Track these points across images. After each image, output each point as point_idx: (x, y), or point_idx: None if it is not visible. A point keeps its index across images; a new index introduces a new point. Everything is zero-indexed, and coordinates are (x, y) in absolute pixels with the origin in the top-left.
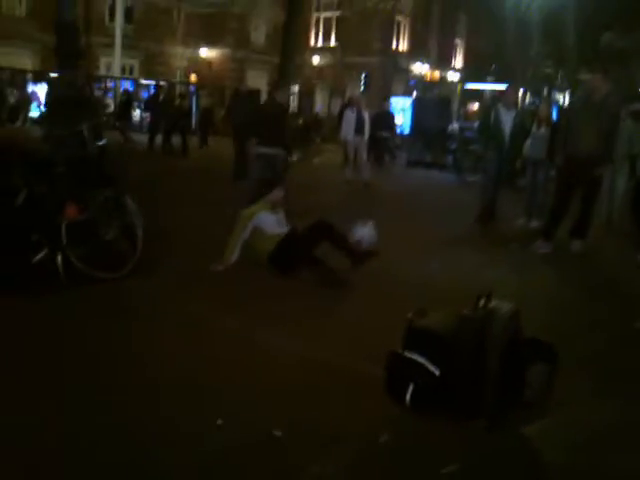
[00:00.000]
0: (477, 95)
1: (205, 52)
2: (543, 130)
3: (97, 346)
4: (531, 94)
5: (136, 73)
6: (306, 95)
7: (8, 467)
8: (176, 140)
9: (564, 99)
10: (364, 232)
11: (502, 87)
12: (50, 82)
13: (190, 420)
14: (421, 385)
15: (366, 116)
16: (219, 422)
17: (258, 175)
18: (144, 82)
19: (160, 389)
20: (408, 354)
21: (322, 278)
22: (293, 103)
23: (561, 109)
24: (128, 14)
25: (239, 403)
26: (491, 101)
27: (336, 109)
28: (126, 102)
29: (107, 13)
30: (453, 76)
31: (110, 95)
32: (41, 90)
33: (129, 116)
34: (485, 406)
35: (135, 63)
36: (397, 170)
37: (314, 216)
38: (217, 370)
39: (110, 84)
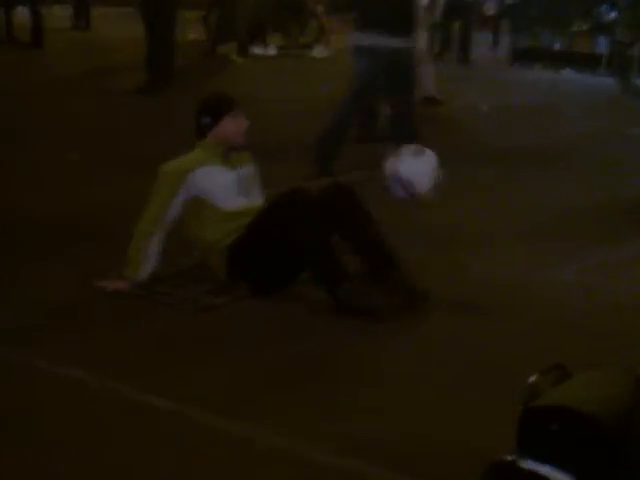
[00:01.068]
0: None
1: None
2: None
3: None
4: None
5: None
6: None
7: None
8: (21, 14)
9: None
10: (413, 169)
11: None
12: None
13: None
14: None
15: None
16: None
17: (364, 87)
18: None
19: None
20: (527, 465)
21: (343, 302)
22: None
23: None
24: None
25: None
26: None
27: None
28: None
29: None
30: None
31: None
32: None
33: None
34: None
35: None
36: (490, 69)
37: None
38: None
39: None
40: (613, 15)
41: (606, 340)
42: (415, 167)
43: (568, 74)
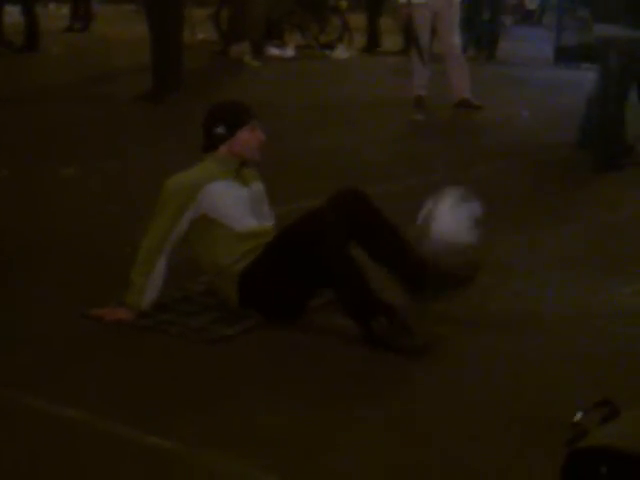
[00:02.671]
0: None
1: None
2: None
3: None
4: None
5: None
6: None
7: None
8: (13, 16)
9: None
10: (442, 216)
11: None
12: None
13: None
14: None
15: None
16: None
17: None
18: None
19: None
20: None
21: (380, 338)
22: None
23: None
24: None
25: None
26: None
27: None
28: None
29: None
30: None
31: None
32: None
33: None
34: None
35: None
36: (529, 70)
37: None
38: None
39: None
40: None
41: None
42: (448, 221)
43: None
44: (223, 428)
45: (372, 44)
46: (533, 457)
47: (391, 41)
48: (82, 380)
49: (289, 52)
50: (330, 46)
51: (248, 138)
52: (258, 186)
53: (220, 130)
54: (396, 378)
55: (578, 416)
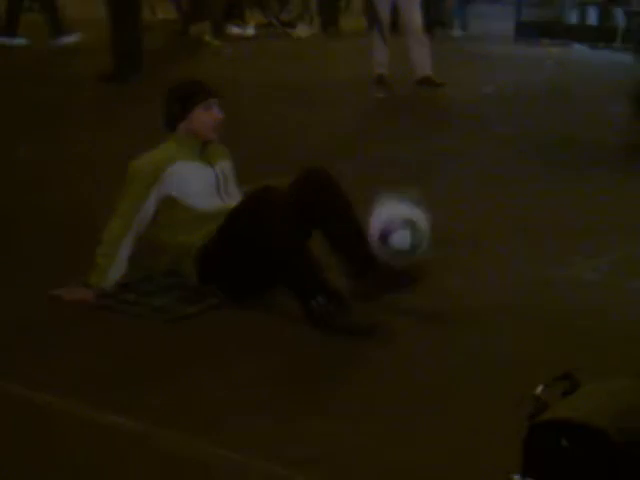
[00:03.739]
0: None
1: None
2: None
3: None
4: None
5: None
6: None
7: None
8: None
9: None
10: (394, 218)
11: None
12: None
13: None
14: None
15: None
16: None
17: None
18: None
19: None
20: None
21: (318, 318)
22: None
23: None
24: None
25: None
26: None
27: None
28: None
29: None
30: None
31: None
32: None
33: None
34: None
35: None
36: (489, 46)
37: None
38: None
39: None
40: None
41: (622, 345)
42: (381, 216)
43: (579, 50)
44: (182, 406)
45: (331, 22)
46: (498, 433)
47: (351, 20)
48: (39, 361)
49: (249, 31)
50: (291, 25)
51: (203, 116)
52: (224, 165)
53: (175, 109)
54: (354, 360)
55: (539, 390)
